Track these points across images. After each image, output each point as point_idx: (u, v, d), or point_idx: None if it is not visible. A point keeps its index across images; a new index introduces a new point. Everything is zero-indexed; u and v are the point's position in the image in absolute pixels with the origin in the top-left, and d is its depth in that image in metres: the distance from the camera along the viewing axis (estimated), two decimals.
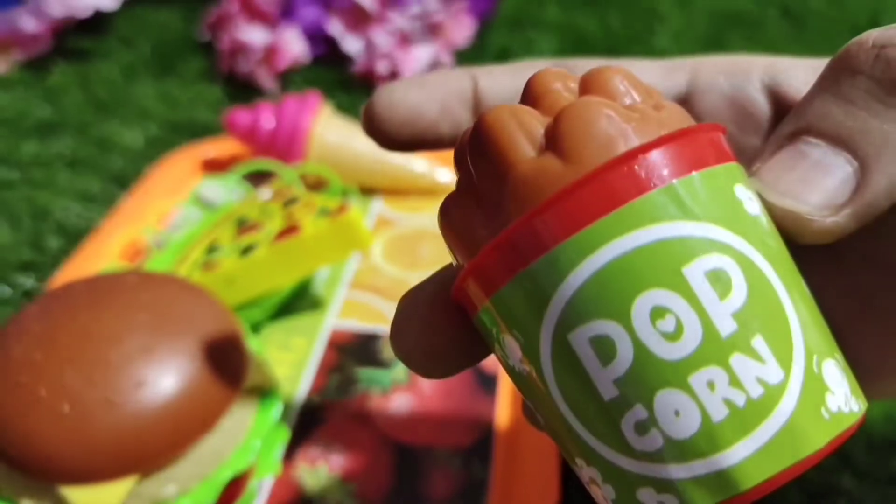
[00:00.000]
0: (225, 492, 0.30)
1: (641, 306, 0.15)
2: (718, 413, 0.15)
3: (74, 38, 0.75)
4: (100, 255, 0.46)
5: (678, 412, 0.15)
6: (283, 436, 0.32)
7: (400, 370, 0.41)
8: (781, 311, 0.16)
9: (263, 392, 0.32)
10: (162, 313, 0.29)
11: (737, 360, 0.15)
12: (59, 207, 0.52)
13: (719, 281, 0.16)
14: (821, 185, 0.18)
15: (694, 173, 0.16)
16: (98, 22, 0.78)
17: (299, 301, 0.45)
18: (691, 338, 0.15)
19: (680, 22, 0.88)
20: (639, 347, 0.15)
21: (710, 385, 0.15)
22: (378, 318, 0.44)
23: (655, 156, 0.16)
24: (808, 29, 0.87)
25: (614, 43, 0.82)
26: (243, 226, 0.44)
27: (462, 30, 0.75)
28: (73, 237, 0.50)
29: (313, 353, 0.42)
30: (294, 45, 0.69)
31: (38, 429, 0.26)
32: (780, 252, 0.17)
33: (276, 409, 0.32)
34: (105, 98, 0.66)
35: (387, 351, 0.42)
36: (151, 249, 0.46)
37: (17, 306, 0.44)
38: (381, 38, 0.71)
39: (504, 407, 0.39)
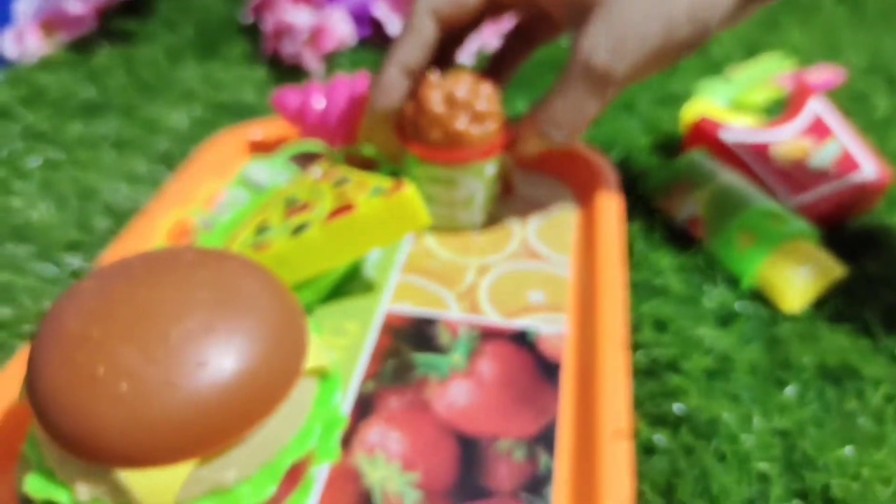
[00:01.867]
0: (284, 478, 0.28)
1: None
2: None
3: (118, 19, 0.74)
4: (147, 236, 0.45)
5: None
6: (342, 422, 0.31)
7: (458, 356, 0.39)
8: None
9: (323, 375, 0.31)
10: (222, 291, 0.27)
11: None
12: (105, 188, 0.51)
13: None
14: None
15: None
16: (141, 4, 0.77)
17: (351, 284, 0.44)
18: None
19: None
20: None
21: None
22: (433, 301, 0.42)
23: None
24: (864, 10, 0.84)
25: None
26: (293, 206, 0.42)
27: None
28: (120, 217, 0.49)
29: (367, 338, 0.40)
30: (340, 27, 0.68)
31: (95, 409, 0.24)
32: None
33: (336, 393, 0.30)
34: (149, 80, 0.65)
35: (444, 336, 0.40)
36: (199, 230, 0.44)
37: (64, 286, 0.43)
38: None
39: (568, 396, 0.37)
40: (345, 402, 0.36)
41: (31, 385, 0.26)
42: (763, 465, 0.33)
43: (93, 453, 0.25)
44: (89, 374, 0.25)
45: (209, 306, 0.26)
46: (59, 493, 0.26)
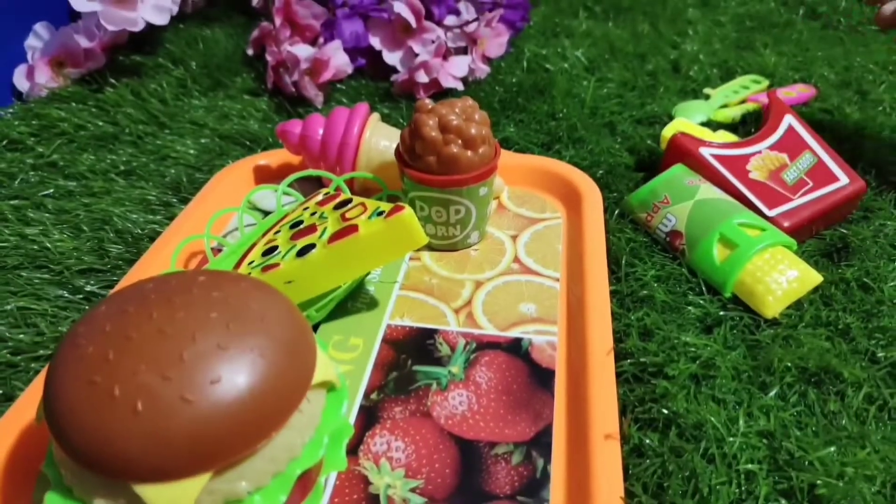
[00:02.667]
0: (294, 487, 0.28)
1: None
2: None
3: (126, 54, 0.75)
4: (161, 262, 0.45)
5: None
6: (349, 432, 0.31)
7: (456, 367, 0.39)
8: None
9: (330, 388, 0.31)
10: (233, 310, 0.27)
11: None
12: (117, 215, 0.51)
13: None
14: None
15: None
16: (149, 40, 0.77)
17: (354, 302, 0.44)
18: None
19: (707, 27, 0.85)
20: None
21: None
22: (432, 316, 0.43)
23: None
24: (835, 27, 0.85)
25: (644, 49, 0.80)
26: (298, 229, 0.43)
27: (497, 40, 0.74)
28: (132, 243, 0.49)
29: (372, 352, 0.40)
30: (337, 58, 0.68)
31: (112, 427, 0.24)
32: None
33: (343, 405, 0.31)
34: (157, 112, 0.66)
35: (443, 348, 0.40)
36: (210, 254, 0.45)
37: (80, 310, 0.43)
38: (420, 49, 0.70)
39: (562, 400, 0.37)
40: (351, 413, 0.37)
41: (50, 406, 0.26)
42: (750, 466, 0.33)
43: (111, 469, 0.25)
44: (106, 394, 0.25)
45: (221, 326, 0.26)
46: None
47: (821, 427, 0.36)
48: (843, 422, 0.36)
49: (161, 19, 0.66)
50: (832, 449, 0.34)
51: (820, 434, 0.35)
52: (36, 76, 0.66)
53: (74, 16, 0.71)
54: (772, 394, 0.37)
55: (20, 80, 0.67)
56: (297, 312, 0.29)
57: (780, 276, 0.42)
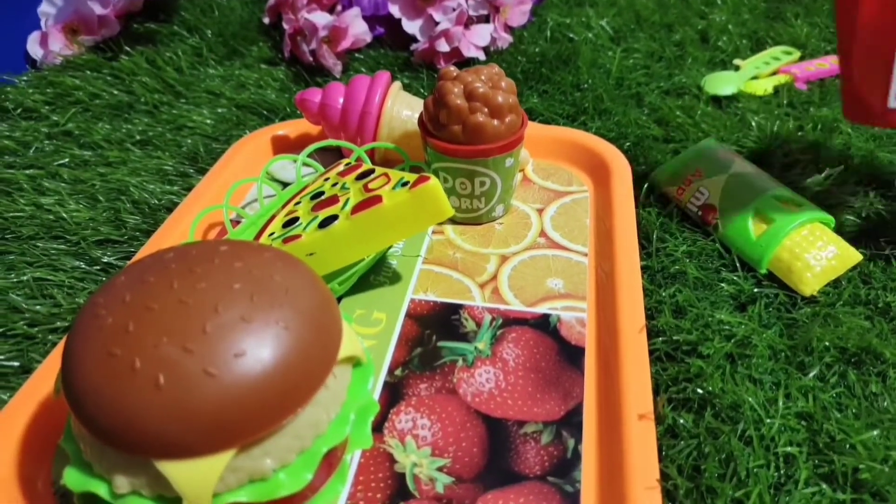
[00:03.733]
0: (320, 465, 0.27)
1: None
2: None
3: (141, 22, 0.73)
4: (179, 233, 0.44)
5: None
6: (374, 409, 0.30)
7: (482, 343, 0.38)
8: None
9: (356, 363, 0.30)
10: (257, 282, 0.26)
11: None
12: (133, 185, 0.50)
13: None
14: None
15: None
16: (163, 7, 0.76)
17: (376, 276, 0.43)
18: None
19: None
20: None
21: None
22: (456, 291, 0.41)
23: None
24: None
25: (671, 19, 0.78)
26: (319, 200, 0.41)
27: (520, 8, 0.72)
28: (149, 214, 0.48)
29: (396, 327, 0.39)
30: (355, 27, 0.66)
31: (133, 401, 0.23)
32: None
33: (369, 381, 0.30)
34: (173, 81, 0.64)
35: (468, 324, 0.39)
36: (229, 226, 0.44)
37: (97, 282, 0.43)
38: (441, 17, 0.68)
39: (592, 379, 0.36)
40: (376, 390, 0.36)
41: (68, 379, 0.25)
42: (789, 449, 0.32)
43: (131, 445, 0.24)
44: (127, 366, 0.24)
45: (245, 297, 0.25)
46: (97, 486, 0.25)
47: (862, 409, 0.34)
48: (886, 404, 0.35)
49: None
50: (875, 432, 0.33)
51: (862, 416, 0.34)
52: (49, 43, 0.65)
53: None
54: (811, 374, 0.36)
55: (34, 47, 0.66)
56: (322, 284, 0.28)
57: (819, 253, 0.41)
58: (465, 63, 0.68)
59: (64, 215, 0.47)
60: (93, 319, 0.25)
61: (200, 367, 0.24)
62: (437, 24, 0.68)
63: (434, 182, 0.37)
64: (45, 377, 0.34)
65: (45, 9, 0.67)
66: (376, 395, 0.35)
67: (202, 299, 0.25)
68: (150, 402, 0.23)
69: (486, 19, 0.70)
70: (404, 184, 0.38)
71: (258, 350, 0.24)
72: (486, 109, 0.42)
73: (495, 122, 0.43)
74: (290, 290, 0.26)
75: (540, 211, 0.48)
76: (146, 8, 0.73)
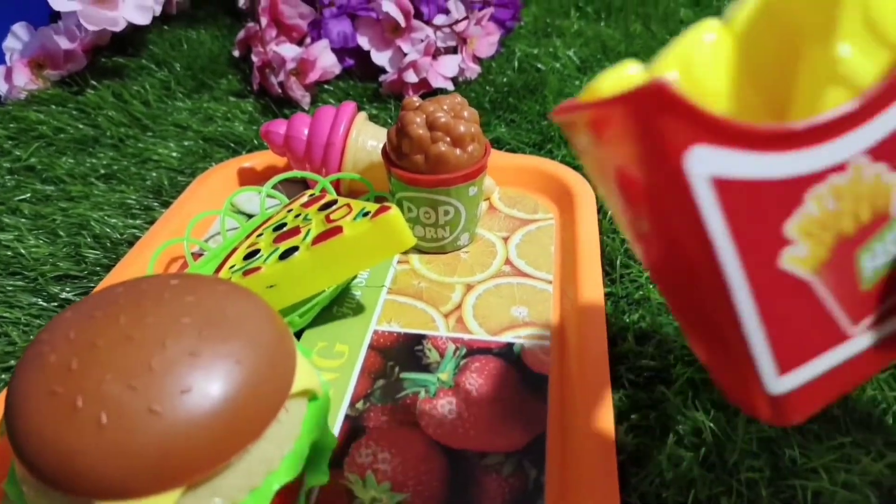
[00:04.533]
0: (272, 503, 0.27)
1: None
2: None
3: (108, 56, 0.73)
4: (139, 267, 0.44)
5: None
6: (332, 444, 0.29)
7: (445, 373, 0.38)
8: None
9: (311, 396, 0.29)
10: (207, 316, 0.26)
11: None
12: (95, 220, 0.50)
13: None
14: None
15: None
16: (131, 41, 0.76)
17: (339, 307, 0.42)
18: None
19: None
20: None
21: None
22: (420, 321, 0.41)
23: None
24: None
25: (637, 49, 0.79)
26: (281, 231, 0.41)
27: (487, 39, 0.73)
28: (111, 249, 0.47)
29: (358, 359, 0.39)
30: (324, 59, 0.67)
31: (75, 441, 0.23)
32: None
33: (324, 415, 0.29)
34: (140, 114, 0.64)
35: (431, 354, 0.39)
36: (190, 259, 0.43)
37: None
38: (409, 49, 0.69)
39: (556, 407, 0.36)
40: (335, 423, 0.35)
41: (10, 419, 0.24)
42: (751, 474, 0.32)
43: (74, 487, 0.23)
44: (69, 405, 0.23)
45: (193, 332, 0.25)
46: None
47: (823, 432, 0.34)
48: (846, 426, 0.35)
49: (143, 19, 0.64)
50: (835, 455, 0.33)
51: (823, 440, 0.34)
52: (14, 78, 0.65)
53: (55, 16, 0.69)
54: None
55: None
56: (275, 317, 0.28)
57: None
58: (433, 93, 0.68)
59: (22, 251, 0.46)
60: (36, 357, 0.25)
61: (145, 405, 0.23)
62: (405, 55, 0.68)
63: (395, 212, 0.37)
64: None
65: (10, 44, 0.67)
66: (336, 429, 0.35)
67: (149, 334, 0.25)
68: (91, 441, 0.23)
69: (454, 50, 0.71)
70: (365, 214, 0.38)
71: (205, 385, 0.24)
72: (448, 139, 0.43)
73: (457, 151, 0.43)
74: (241, 323, 0.26)
75: (505, 239, 0.48)
76: (114, 42, 0.73)
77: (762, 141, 0.17)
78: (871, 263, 0.19)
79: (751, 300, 0.18)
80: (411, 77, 0.66)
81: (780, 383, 0.19)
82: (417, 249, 0.47)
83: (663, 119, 0.16)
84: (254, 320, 0.27)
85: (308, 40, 0.71)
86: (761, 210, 0.18)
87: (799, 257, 0.18)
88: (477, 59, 0.73)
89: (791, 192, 0.18)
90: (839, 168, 0.18)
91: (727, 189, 0.17)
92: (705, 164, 0.17)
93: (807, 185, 0.18)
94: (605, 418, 0.33)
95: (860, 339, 0.20)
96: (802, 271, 0.18)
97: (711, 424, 0.34)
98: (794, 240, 0.18)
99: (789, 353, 0.19)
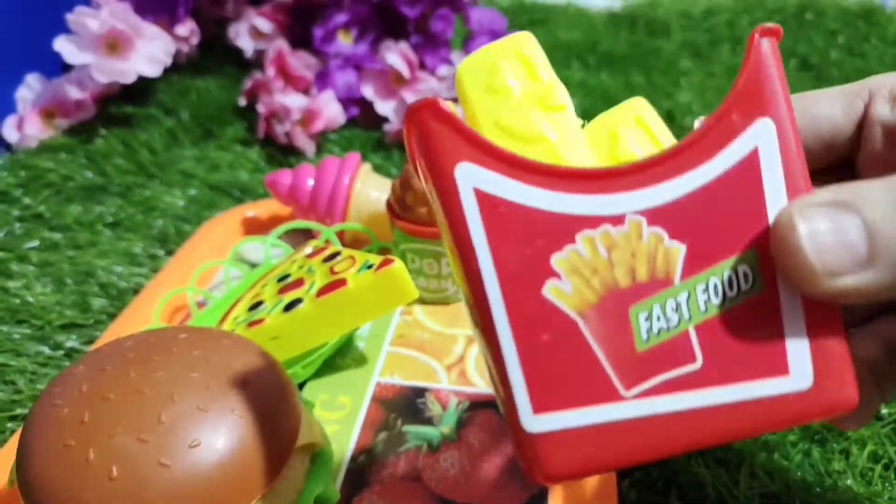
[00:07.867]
0: None
1: None
2: None
3: (117, 105, 0.76)
4: (144, 316, 0.45)
5: None
6: (334, 497, 0.30)
7: (448, 427, 0.38)
8: None
9: (315, 450, 0.30)
10: (215, 370, 0.27)
11: None
12: (101, 267, 0.51)
13: None
14: None
15: None
16: (140, 90, 0.78)
17: (342, 359, 0.43)
18: None
19: (700, 78, 0.87)
20: None
21: None
22: (423, 373, 0.42)
23: None
24: (829, 81, 0.86)
25: None
26: (285, 283, 0.42)
27: None
28: (117, 297, 0.49)
29: (361, 412, 0.40)
30: (329, 109, 0.69)
31: (86, 493, 0.24)
32: None
33: (327, 469, 0.30)
34: (147, 162, 0.66)
35: (434, 407, 0.40)
36: (194, 309, 0.44)
37: (60, 367, 0.43)
38: (413, 99, 0.71)
39: None
40: (338, 477, 0.36)
41: (21, 470, 0.25)
42: None
43: None
44: (80, 458, 0.24)
45: (202, 386, 0.26)
46: None
47: (826, 487, 0.35)
48: (849, 482, 0.35)
49: (154, 71, 0.67)
50: None
51: (827, 494, 0.34)
52: (25, 127, 0.67)
53: (67, 67, 0.72)
54: (775, 454, 0.37)
55: (10, 131, 0.68)
56: (280, 371, 0.29)
57: None
58: None
59: (30, 299, 0.48)
60: (49, 409, 0.26)
61: (155, 458, 0.24)
62: None
63: (399, 265, 0.38)
64: (2, 466, 0.34)
65: (23, 94, 0.69)
66: (338, 482, 0.35)
67: (159, 388, 0.26)
68: (103, 494, 0.24)
69: (457, 100, 0.73)
70: (369, 266, 0.39)
71: (213, 439, 0.25)
72: None
73: None
74: (247, 378, 0.27)
75: None
76: (123, 91, 0.75)
77: (529, 172, 0.19)
78: (646, 324, 0.19)
79: (505, 315, 0.19)
80: None
81: (535, 421, 0.19)
82: (420, 300, 0.48)
83: (438, 127, 0.19)
84: (259, 376, 0.28)
85: (314, 90, 0.74)
86: (526, 233, 0.19)
87: (564, 291, 0.19)
88: None
89: (561, 227, 0.19)
90: (615, 220, 0.19)
91: (489, 203, 0.19)
92: (471, 177, 0.19)
93: (579, 225, 0.19)
94: (608, 474, 0.34)
95: (634, 405, 0.19)
96: (567, 308, 0.19)
97: (713, 478, 0.34)
98: (560, 273, 0.19)
99: (547, 388, 0.19)
